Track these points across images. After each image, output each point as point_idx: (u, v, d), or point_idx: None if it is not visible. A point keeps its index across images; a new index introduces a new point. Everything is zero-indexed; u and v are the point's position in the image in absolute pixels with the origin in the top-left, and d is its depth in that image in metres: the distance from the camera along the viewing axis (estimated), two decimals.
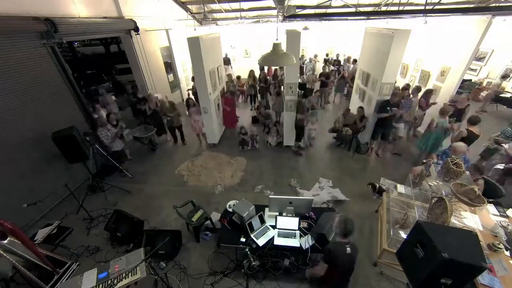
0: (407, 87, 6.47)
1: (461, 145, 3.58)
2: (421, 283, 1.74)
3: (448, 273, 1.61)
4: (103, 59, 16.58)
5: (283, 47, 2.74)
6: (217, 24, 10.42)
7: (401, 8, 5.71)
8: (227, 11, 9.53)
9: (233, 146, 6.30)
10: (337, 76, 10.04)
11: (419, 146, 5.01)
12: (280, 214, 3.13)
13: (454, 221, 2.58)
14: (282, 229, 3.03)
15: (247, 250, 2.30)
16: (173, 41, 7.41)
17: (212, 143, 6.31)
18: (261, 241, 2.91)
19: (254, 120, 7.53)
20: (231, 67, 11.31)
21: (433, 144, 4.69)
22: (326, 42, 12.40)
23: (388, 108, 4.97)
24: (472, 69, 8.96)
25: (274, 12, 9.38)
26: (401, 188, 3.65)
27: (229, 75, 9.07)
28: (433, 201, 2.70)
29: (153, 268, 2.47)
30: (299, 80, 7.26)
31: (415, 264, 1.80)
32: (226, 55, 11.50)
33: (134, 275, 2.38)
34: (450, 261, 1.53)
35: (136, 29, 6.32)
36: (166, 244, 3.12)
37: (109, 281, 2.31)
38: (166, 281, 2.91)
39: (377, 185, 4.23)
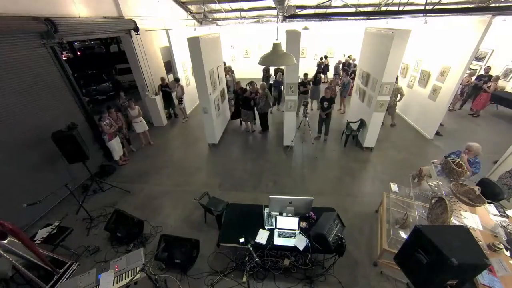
0: None
1: (475, 145, 3.37)
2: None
3: (454, 275, 1.59)
4: (102, 59, 16.60)
5: (283, 47, 2.75)
6: (217, 24, 10.42)
7: (401, 8, 5.70)
8: (227, 11, 9.53)
9: (232, 146, 6.31)
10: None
11: None
12: (280, 214, 3.13)
13: (454, 221, 2.58)
14: (282, 229, 3.03)
15: (250, 246, 2.30)
16: (173, 41, 7.40)
17: (212, 143, 6.33)
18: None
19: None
20: None
21: None
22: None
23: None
24: (472, 69, 8.94)
25: (274, 12, 9.38)
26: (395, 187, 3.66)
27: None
28: (433, 201, 2.70)
29: (153, 280, 2.48)
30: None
31: (419, 269, 1.75)
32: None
33: (134, 275, 2.38)
34: (458, 265, 1.50)
35: (136, 29, 6.32)
36: (183, 252, 3.19)
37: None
38: (165, 283, 2.92)
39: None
